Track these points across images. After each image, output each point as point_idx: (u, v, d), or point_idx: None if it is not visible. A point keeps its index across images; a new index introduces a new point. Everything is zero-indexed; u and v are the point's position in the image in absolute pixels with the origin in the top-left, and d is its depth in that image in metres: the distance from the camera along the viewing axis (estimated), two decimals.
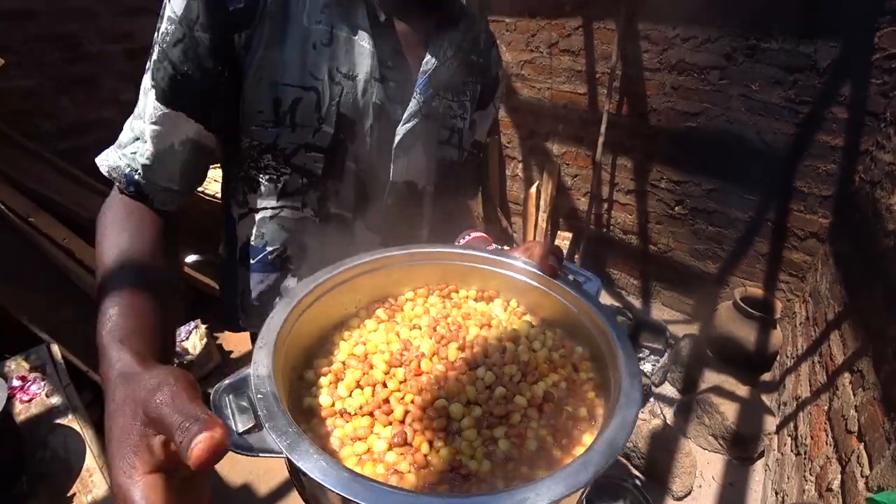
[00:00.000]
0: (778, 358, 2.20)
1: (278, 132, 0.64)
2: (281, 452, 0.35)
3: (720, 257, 2.45)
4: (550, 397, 0.49)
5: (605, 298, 2.89)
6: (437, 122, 0.74)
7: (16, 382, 1.39)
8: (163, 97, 0.59)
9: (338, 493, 0.32)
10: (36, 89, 2.22)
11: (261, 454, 0.36)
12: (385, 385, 0.49)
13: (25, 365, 1.48)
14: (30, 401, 1.37)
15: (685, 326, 2.62)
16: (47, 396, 1.38)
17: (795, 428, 1.73)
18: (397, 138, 0.70)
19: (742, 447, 1.89)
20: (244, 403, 0.39)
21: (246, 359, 2.45)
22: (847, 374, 1.46)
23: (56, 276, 1.95)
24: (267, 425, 0.36)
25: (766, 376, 2.23)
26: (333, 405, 0.47)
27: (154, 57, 0.59)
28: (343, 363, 0.52)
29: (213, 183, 2.28)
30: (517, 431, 0.45)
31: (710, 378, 2.17)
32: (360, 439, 0.44)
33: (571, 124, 2.73)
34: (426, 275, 0.64)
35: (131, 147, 0.62)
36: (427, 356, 0.52)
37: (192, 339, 2.29)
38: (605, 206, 2.82)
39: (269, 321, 0.46)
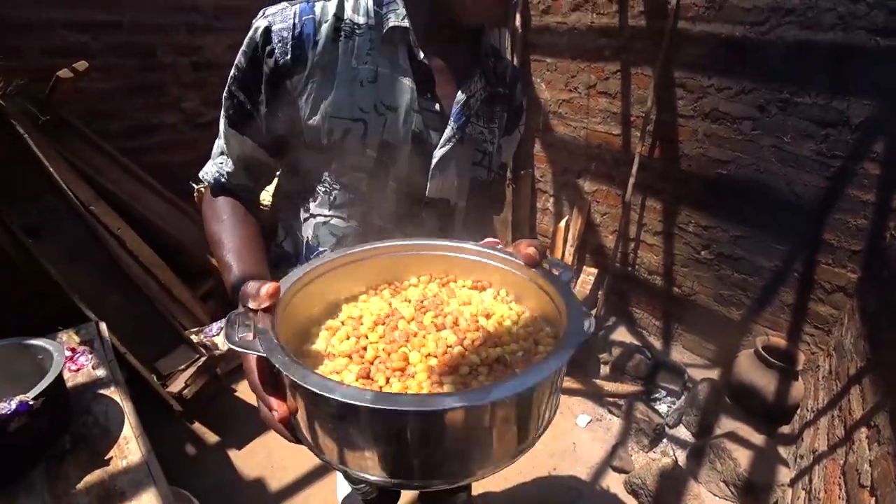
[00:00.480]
0: (798, 411, 2.17)
1: (332, 156, 0.78)
2: (259, 350, 0.47)
3: (744, 304, 2.45)
4: (503, 360, 0.56)
5: (625, 337, 2.90)
6: (471, 145, 0.85)
7: (66, 353, 1.50)
8: (230, 123, 0.78)
9: (285, 374, 0.44)
10: (110, 92, 2.44)
11: (247, 350, 0.49)
12: (367, 337, 0.60)
13: (76, 338, 1.59)
14: (77, 370, 1.47)
15: (704, 371, 2.60)
16: (93, 368, 1.49)
17: (810, 482, 1.70)
18: (434, 160, 0.80)
19: (753, 496, 1.86)
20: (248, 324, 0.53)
21: None
22: (864, 429, 1.45)
23: (108, 262, 2.09)
24: (260, 336, 0.49)
25: (785, 428, 2.19)
26: (325, 350, 0.59)
27: (225, 93, 0.78)
28: (342, 322, 0.63)
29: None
30: (463, 381, 0.53)
31: (726, 424, 2.15)
32: (336, 373, 0.54)
33: (604, 163, 2.81)
34: (432, 264, 0.74)
35: (219, 159, 0.83)
36: (406, 319, 0.62)
37: (223, 335, 2.39)
38: (632, 245, 2.86)
39: (284, 279, 0.59)
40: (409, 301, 0.68)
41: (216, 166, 0.83)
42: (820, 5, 1.87)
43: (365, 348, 0.57)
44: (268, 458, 2.04)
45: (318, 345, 0.60)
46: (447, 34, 0.79)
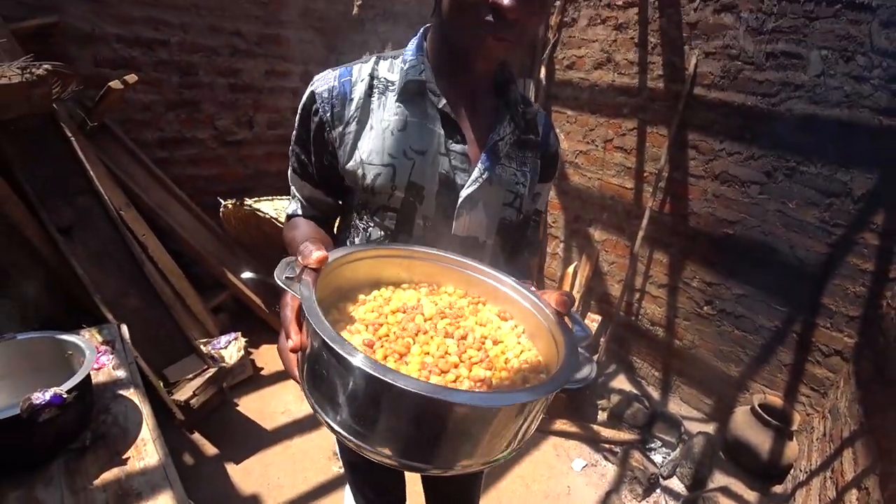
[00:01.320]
0: (792, 471, 2.19)
1: (366, 196, 0.87)
2: (296, 292, 0.57)
3: (743, 361, 2.51)
4: (488, 382, 0.61)
5: (625, 384, 2.93)
6: (501, 186, 0.89)
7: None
8: (294, 171, 0.94)
9: (311, 323, 0.51)
10: (151, 104, 2.55)
11: (287, 288, 0.58)
12: (387, 317, 0.67)
13: (98, 337, 1.63)
14: (98, 369, 1.51)
15: (700, 424, 2.63)
16: (114, 369, 1.52)
17: None
18: (460, 200, 0.86)
19: None
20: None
21: (276, 376, 2.56)
22: (855, 491, 1.49)
23: (130, 266, 2.15)
24: (302, 283, 0.58)
25: (778, 487, 2.21)
26: (350, 312, 0.68)
27: (290, 147, 0.93)
28: (374, 298, 0.72)
29: (284, 213, 2.50)
30: (445, 381, 0.59)
31: (720, 479, 2.17)
32: (349, 332, 0.63)
33: (615, 215, 2.91)
34: (472, 283, 0.80)
35: (294, 199, 0.99)
36: (424, 317, 0.69)
37: (231, 348, 2.42)
38: (637, 295, 2.93)
39: (338, 249, 0.69)
40: (436, 304, 0.73)
41: (293, 205, 0.98)
42: (828, 83, 2.01)
43: (381, 325, 0.64)
44: (265, 476, 2.04)
45: (349, 305, 0.69)
46: (474, 82, 0.86)
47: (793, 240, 2.21)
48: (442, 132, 0.83)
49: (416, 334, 0.64)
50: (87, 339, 1.35)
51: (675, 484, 2.28)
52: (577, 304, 3.05)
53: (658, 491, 2.24)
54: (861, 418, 1.73)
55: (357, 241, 0.93)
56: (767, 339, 2.39)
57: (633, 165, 2.74)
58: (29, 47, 1.93)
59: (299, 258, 0.62)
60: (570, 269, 3.11)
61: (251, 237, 2.72)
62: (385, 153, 0.83)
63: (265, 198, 2.53)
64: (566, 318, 0.68)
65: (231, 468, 2.05)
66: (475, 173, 0.85)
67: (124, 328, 1.72)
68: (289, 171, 0.96)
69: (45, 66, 1.76)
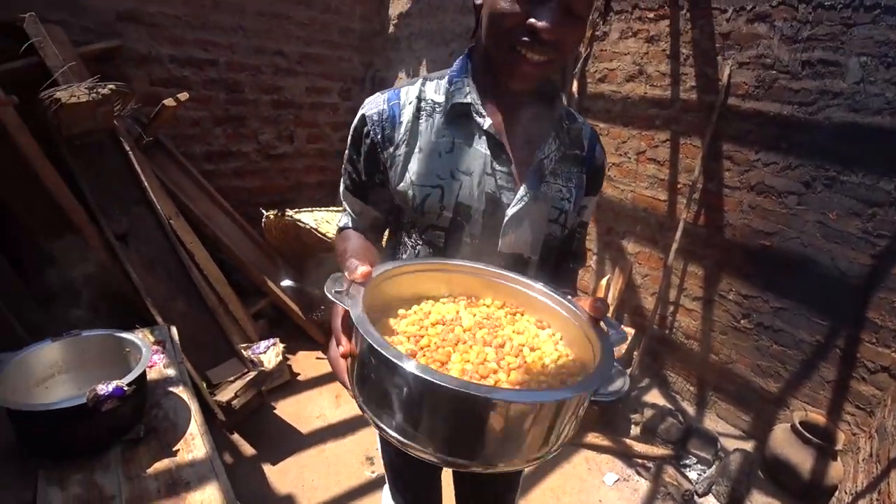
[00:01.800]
0: (836, 493, 2.11)
1: (415, 216, 0.90)
2: (346, 304, 0.61)
3: (782, 377, 2.43)
4: (526, 385, 0.64)
5: (658, 399, 2.88)
6: (546, 203, 0.90)
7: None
8: (346, 187, 0.99)
9: (360, 332, 0.56)
10: (200, 120, 2.70)
11: (338, 301, 0.62)
12: (427, 329, 0.70)
13: (150, 337, 1.73)
14: (151, 367, 1.60)
15: (738, 441, 2.56)
16: (164, 367, 1.62)
17: None
18: (506, 218, 0.87)
19: None
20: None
21: (312, 382, 2.63)
22: None
23: (178, 272, 2.27)
24: (350, 296, 0.62)
25: None
26: (393, 325, 0.71)
27: (343, 166, 0.98)
28: (415, 311, 0.75)
29: (324, 224, 2.59)
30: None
31: (758, 499, 2.11)
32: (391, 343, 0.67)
33: (648, 227, 2.90)
34: (510, 294, 0.82)
35: (347, 212, 1.03)
36: (463, 327, 0.72)
37: (269, 353, 2.51)
38: (671, 308, 2.89)
39: (380, 265, 0.73)
40: (475, 315, 0.76)
41: (344, 218, 1.04)
42: (868, 90, 1.97)
43: (422, 336, 0.67)
44: (300, 477, 2.10)
45: (391, 320, 0.72)
46: (518, 100, 0.88)
47: (834, 251, 2.16)
48: (488, 153, 0.86)
49: (456, 344, 0.67)
50: (142, 338, 1.45)
51: (711, 502, 2.23)
52: (610, 310, 3.03)
53: None
54: None
55: (405, 257, 0.96)
56: (808, 355, 2.32)
57: (665, 177, 2.73)
58: (94, 69, 2.09)
59: (346, 273, 0.66)
60: (604, 282, 3.09)
61: (291, 247, 2.83)
62: (434, 174, 0.86)
63: (305, 209, 2.63)
64: (601, 323, 0.70)
65: (268, 468, 2.12)
66: (520, 192, 0.87)
67: (174, 329, 1.82)
68: (340, 187, 1.00)
69: (110, 85, 1.91)
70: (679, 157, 2.65)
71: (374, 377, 0.57)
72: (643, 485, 2.29)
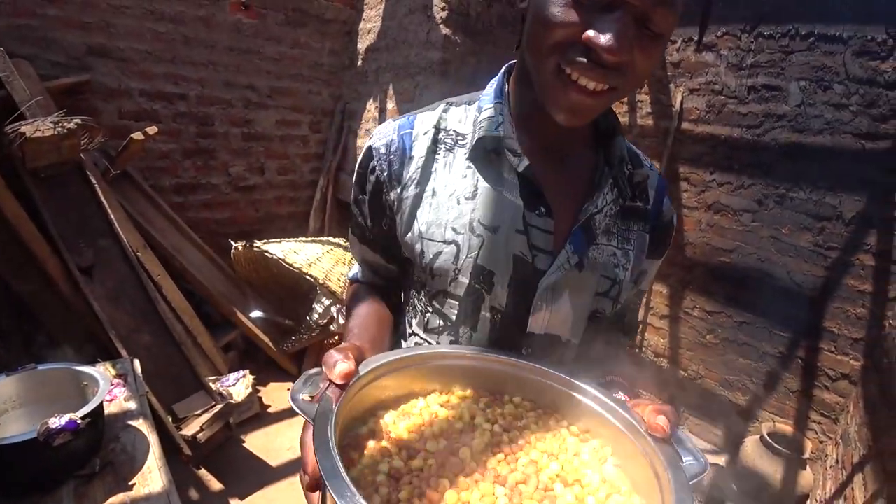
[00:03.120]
0: (808, 501, 2.13)
1: (424, 277, 0.72)
2: (310, 418, 0.47)
3: (750, 390, 2.48)
4: None
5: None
6: (595, 272, 0.70)
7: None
8: (352, 232, 0.82)
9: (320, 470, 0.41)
10: (169, 152, 2.72)
11: (301, 411, 0.48)
12: (426, 443, 0.55)
13: (112, 371, 1.70)
14: (111, 401, 1.56)
15: (710, 456, 2.57)
16: (125, 401, 1.58)
17: None
18: (539, 290, 0.68)
19: None
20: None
21: (282, 413, 2.58)
22: None
23: (144, 305, 2.24)
24: (320, 405, 0.47)
25: None
26: (385, 427, 0.57)
27: (350, 206, 0.81)
28: (419, 412, 0.60)
29: (291, 254, 2.60)
30: None
31: None
32: (376, 461, 0.52)
33: None
34: (541, 390, 0.64)
35: (356, 261, 0.89)
36: (472, 451, 0.54)
37: (239, 385, 2.46)
38: (640, 327, 2.94)
39: (376, 357, 0.58)
40: (495, 423, 0.59)
41: (354, 268, 0.90)
42: (808, 112, 2.10)
43: (418, 452, 0.53)
44: None
45: (387, 416, 0.58)
46: (566, 135, 0.68)
47: (789, 265, 2.25)
48: (521, 202, 0.67)
49: (457, 475, 0.51)
50: (102, 371, 1.42)
51: None
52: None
53: None
54: (869, 442, 1.71)
55: (415, 323, 0.77)
56: (773, 367, 2.38)
57: None
58: (61, 102, 2.11)
59: (324, 368, 0.51)
60: None
61: (261, 278, 2.82)
62: (448, 227, 0.68)
63: (274, 240, 2.64)
64: (671, 442, 0.51)
65: (235, 503, 2.06)
66: (561, 257, 0.67)
67: (136, 363, 1.78)
68: (349, 232, 0.84)
69: (76, 120, 1.92)
70: None
71: None
72: None
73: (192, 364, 2.32)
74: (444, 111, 0.72)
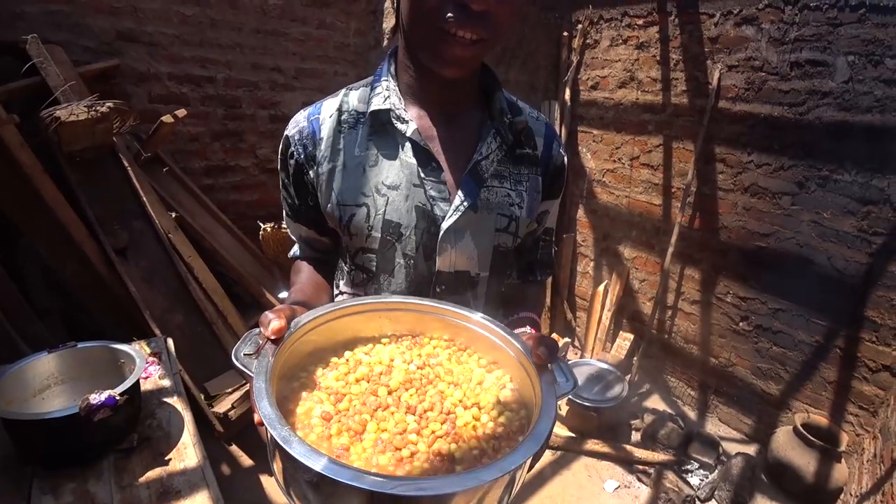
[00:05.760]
0: (842, 495, 2.08)
1: (346, 239, 0.84)
2: (251, 373, 0.55)
3: (783, 379, 2.41)
4: (449, 455, 0.56)
5: (658, 404, 2.86)
6: (491, 211, 0.81)
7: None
8: (286, 213, 0.93)
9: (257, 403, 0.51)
10: (198, 135, 2.75)
11: (242, 368, 0.56)
12: (350, 387, 0.64)
13: (147, 349, 1.75)
14: (146, 378, 1.62)
15: (740, 445, 2.53)
16: (160, 378, 1.63)
17: None
18: (441, 233, 0.78)
19: None
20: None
21: None
22: None
23: (177, 285, 2.29)
24: (258, 360, 0.57)
25: None
26: (318, 380, 0.65)
27: (280, 192, 0.92)
28: (345, 361, 0.69)
29: None
30: (399, 460, 0.56)
31: (761, 502, 2.08)
32: (309, 409, 0.61)
33: (644, 232, 2.90)
34: (456, 330, 0.75)
35: (295, 240, 0.98)
36: (388, 389, 0.64)
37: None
38: (669, 312, 2.88)
39: (309, 313, 0.67)
40: (410, 363, 0.69)
41: (294, 248, 0.99)
42: (856, 89, 1.98)
43: (343, 395, 0.62)
44: None
45: (319, 371, 0.67)
46: (450, 96, 0.80)
47: (830, 250, 2.15)
48: (414, 161, 0.77)
49: (376, 410, 0.61)
50: (137, 349, 1.47)
51: None
52: (607, 320, 3.02)
53: None
54: None
55: (342, 283, 0.91)
56: (808, 356, 2.30)
57: (660, 182, 2.74)
58: (94, 87, 2.14)
59: (260, 327, 0.59)
60: (601, 288, 3.09)
61: (288, 259, 2.86)
62: (358, 192, 0.79)
63: None
64: (550, 367, 0.62)
65: (265, 479, 2.12)
66: (455, 201, 0.78)
67: (170, 341, 1.83)
68: (284, 215, 0.94)
69: (108, 104, 1.95)
70: (672, 161, 2.66)
71: (277, 456, 0.51)
72: (644, 491, 2.26)
73: (223, 343, 2.38)
74: (345, 95, 0.83)
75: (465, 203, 0.78)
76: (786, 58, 2.16)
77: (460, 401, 0.64)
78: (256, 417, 0.53)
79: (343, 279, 0.90)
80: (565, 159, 0.92)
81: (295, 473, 0.49)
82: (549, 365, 0.62)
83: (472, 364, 0.72)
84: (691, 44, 2.47)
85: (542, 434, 0.52)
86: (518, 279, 0.99)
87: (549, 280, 3.28)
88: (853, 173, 2.04)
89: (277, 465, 0.52)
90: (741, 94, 2.32)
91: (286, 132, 0.84)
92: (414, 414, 0.61)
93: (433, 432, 0.59)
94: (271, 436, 0.47)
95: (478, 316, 0.73)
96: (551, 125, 0.92)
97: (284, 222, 0.95)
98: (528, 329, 0.79)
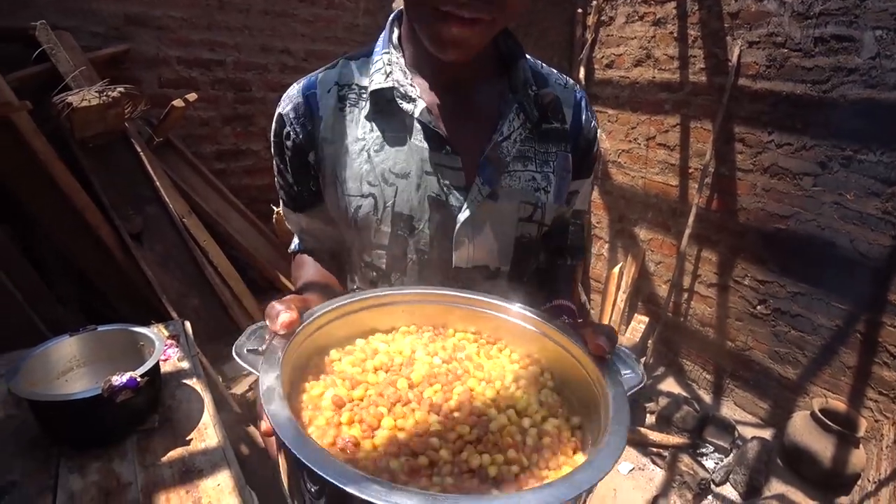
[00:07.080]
0: (859, 481, 2.06)
1: (353, 233, 0.74)
2: (256, 370, 0.47)
3: (801, 363, 2.38)
4: (482, 473, 0.47)
5: (674, 387, 2.85)
6: (514, 199, 0.71)
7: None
8: (284, 204, 0.84)
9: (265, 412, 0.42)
10: (209, 120, 2.74)
11: (246, 365, 0.49)
12: (368, 374, 0.58)
13: (165, 332, 1.77)
14: (165, 360, 1.64)
15: (756, 429, 2.52)
16: (178, 361, 1.65)
17: None
18: (458, 226, 0.69)
19: None
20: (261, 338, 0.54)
21: None
22: None
23: (193, 269, 2.31)
24: (266, 355, 0.49)
25: (843, 499, 2.08)
26: (331, 364, 0.59)
27: (275, 180, 0.82)
28: (360, 349, 0.62)
29: None
30: (415, 468, 0.48)
31: (777, 487, 2.07)
32: (320, 393, 0.55)
33: (660, 213, 2.86)
34: (482, 320, 0.66)
35: (295, 233, 0.89)
36: (409, 382, 0.56)
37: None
38: (685, 295, 2.85)
39: (325, 304, 0.60)
40: (434, 355, 0.61)
41: (294, 240, 0.90)
42: (884, 65, 1.91)
43: (359, 383, 0.55)
44: None
45: (333, 352, 0.60)
46: (463, 72, 0.69)
47: (853, 233, 2.10)
48: (426, 145, 0.68)
49: (395, 404, 0.53)
50: (156, 332, 1.48)
51: (728, 491, 2.20)
52: (622, 302, 3.00)
53: (710, 497, 2.16)
54: None
55: (357, 278, 0.81)
56: (828, 340, 2.27)
57: (677, 162, 2.69)
58: (104, 73, 2.14)
59: (266, 321, 0.52)
60: (616, 270, 3.06)
61: None
62: (363, 181, 0.69)
63: None
64: (612, 360, 0.54)
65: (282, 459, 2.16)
66: (473, 190, 0.68)
67: (187, 324, 1.85)
68: (280, 208, 0.85)
69: (119, 89, 1.95)
70: (690, 141, 2.61)
71: (288, 465, 0.44)
72: (658, 474, 2.27)
73: (240, 327, 2.41)
74: (344, 67, 0.72)
75: (484, 191, 0.68)
76: (809, 33, 2.09)
77: (493, 401, 0.55)
78: (263, 426, 0.46)
79: (357, 275, 0.81)
80: (598, 130, 0.82)
81: (311, 487, 0.41)
82: (610, 358, 0.54)
83: (503, 360, 0.64)
84: (710, 19, 2.40)
85: (619, 446, 0.43)
86: (546, 264, 0.89)
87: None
88: (879, 153, 1.98)
89: (284, 470, 0.45)
90: (762, 72, 2.26)
91: (279, 109, 0.74)
92: (438, 414, 0.52)
93: (460, 436, 0.50)
94: (292, 456, 0.38)
95: (516, 306, 0.64)
96: (580, 90, 0.79)
97: (282, 213, 0.85)
98: (566, 319, 0.69)
